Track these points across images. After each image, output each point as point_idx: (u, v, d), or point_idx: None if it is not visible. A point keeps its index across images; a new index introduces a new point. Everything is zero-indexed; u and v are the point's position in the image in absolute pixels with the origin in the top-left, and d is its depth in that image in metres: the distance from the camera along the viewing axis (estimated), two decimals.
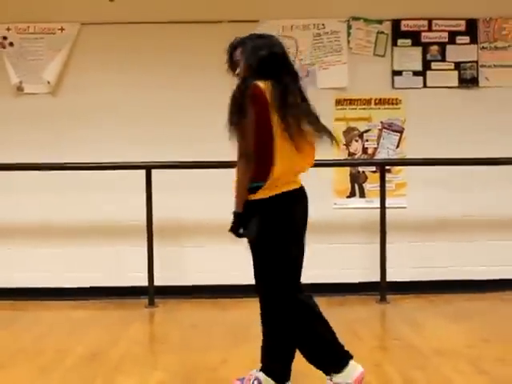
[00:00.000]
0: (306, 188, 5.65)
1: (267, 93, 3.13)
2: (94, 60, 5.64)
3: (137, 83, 5.57)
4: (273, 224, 3.21)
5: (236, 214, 3.27)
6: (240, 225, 3.27)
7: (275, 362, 3.32)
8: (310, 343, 3.31)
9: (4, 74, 5.68)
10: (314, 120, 3.38)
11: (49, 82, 5.66)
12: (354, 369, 3.26)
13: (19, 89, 5.69)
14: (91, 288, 5.54)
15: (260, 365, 3.34)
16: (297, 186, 3.38)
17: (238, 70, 3.34)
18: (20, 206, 5.61)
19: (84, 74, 5.64)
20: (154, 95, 5.61)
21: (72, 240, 5.60)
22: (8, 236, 5.64)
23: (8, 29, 5.68)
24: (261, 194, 3.18)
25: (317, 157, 5.35)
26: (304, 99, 3.39)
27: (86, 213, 5.60)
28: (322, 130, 3.41)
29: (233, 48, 3.39)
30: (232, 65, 3.39)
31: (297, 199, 3.38)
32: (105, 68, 5.63)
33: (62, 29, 5.68)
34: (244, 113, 3.12)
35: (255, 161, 3.14)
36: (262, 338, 3.36)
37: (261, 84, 3.14)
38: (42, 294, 5.51)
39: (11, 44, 5.69)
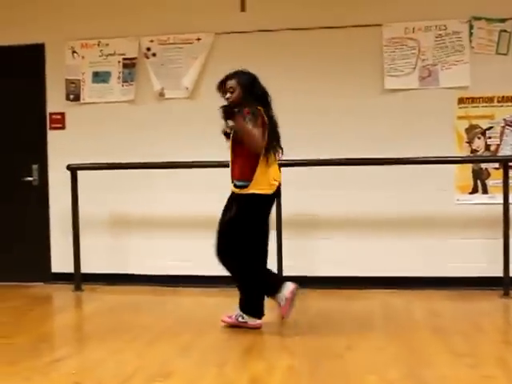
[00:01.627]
0: (427, 184, 5.58)
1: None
2: (228, 67, 5.69)
3: (267, 88, 5.59)
4: (247, 213, 4.17)
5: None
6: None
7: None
8: None
9: (148, 82, 5.91)
10: (277, 140, 4.27)
11: (187, 88, 5.83)
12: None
13: (161, 94, 5.90)
14: (227, 277, 5.65)
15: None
16: (270, 191, 4.17)
17: (229, 95, 4.22)
18: (162, 200, 5.82)
19: (219, 79, 5.74)
20: (283, 99, 5.61)
21: (209, 232, 5.74)
22: (153, 228, 5.87)
23: (151, 41, 5.90)
24: (245, 190, 4.12)
25: (440, 154, 5.27)
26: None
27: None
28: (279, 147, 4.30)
29: (227, 78, 4.28)
30: (222, 89, 4.30)
31: (269, 201, 4.25)
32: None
33: (198, 39, 5.83)
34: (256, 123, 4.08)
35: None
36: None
37: (261, 109, 4.13)
38: (182, 281, 5.70)
39: (154, 54, 5.91)
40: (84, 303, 5.46)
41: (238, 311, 4.34)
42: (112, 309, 5.05)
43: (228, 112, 4.19)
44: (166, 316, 4.77)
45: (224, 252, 4.24)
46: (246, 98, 4.15)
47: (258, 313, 4.31)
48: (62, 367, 3.57)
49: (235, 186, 4.23)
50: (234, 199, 4.25)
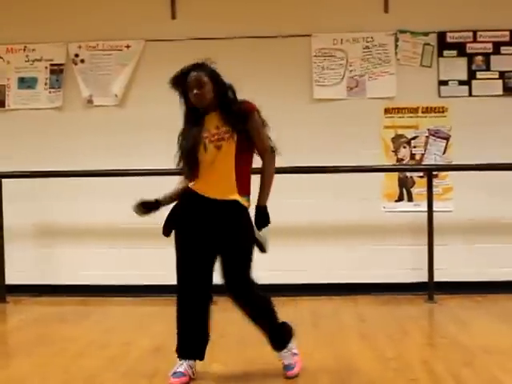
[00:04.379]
0: (356, 192, 5.66)
1: None
2: (158, 74, 5.66)
3: None
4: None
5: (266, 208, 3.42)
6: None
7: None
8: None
9: (76, 89, 5.80)
10: None
11: (116, 95, 5.76)
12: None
13: (89, 102, 5.79)
14: (155, 286, 5.59)
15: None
16: None
17: (196, 91, 3.39)
18: (89, 209, 5.71)
19: (148, 87, 5.71)
20: None
21: (137, 241, 5.67)
22: (80, 237, 5.75)
23: (79, 47, 5.80)
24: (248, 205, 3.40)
25: (367, 163, 5.39)
26: None
27: (150, 216, 5.64)
28: None
29: (188, 71, 3.47)
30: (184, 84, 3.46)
31: None
32: (167, 82, 5.67)
33: (128, 46, 5.76)
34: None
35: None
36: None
37: None
38: (109, 291, 5.60)
39: (82, 61, 5.81)
40: (8, 316, 5.29)
41: (281, 355, 3.50)
42: (37, 321, 4.90)
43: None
44: (93, 327, 4.69)
45: (248, 285, 3.42)
46: (226, 93, 3.42)
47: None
48: None
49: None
50: (230, 213, 3.35)
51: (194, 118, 3.39)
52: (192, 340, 3.48)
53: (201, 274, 3.42)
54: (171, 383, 3.35)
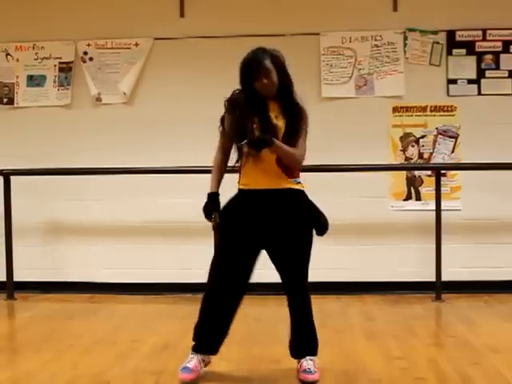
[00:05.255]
0: (364, 191, 5.68)
1: None
2: (166, 72, 5.74)
3: (204, 95, 5.59)
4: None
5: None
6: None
7: None
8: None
9: (84, 87, 5.83)
10: None
11: (124, 93, 5.78)
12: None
13: (98, 99, 5.82)
14: (163, 284, 5.62)
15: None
16: None
17: (266, 81, 3.38)
18: (97, 207, 5.74)
19: (157, 85, 5.74)
20: (221, 105, 5.62)
21: (145, 239, 5.70)
22: (87, 235, 5.78)
23: (88, 45, 5.82)
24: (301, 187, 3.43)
25: (375, 162, 5.39)
26: None
27: (158, 214, 5.68)
28: None
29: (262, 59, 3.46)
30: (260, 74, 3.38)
31: None
32: (176, 80, 5.71)
33: (136, 44, 5.78)
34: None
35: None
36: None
37: None
38: (117, 289, 5.64)
39: (91, 59, 5.84)
40: (17, 312, 5.33)
41: (305, 359, 3.45)
42: (46, 318, 4.93)
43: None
44: (101, 324, 4.71)
45: (305, 286, 3.60)
46: (289, 85, 3.47)
47: None
48: None
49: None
50: (287, 203, 3.37)
51: (255, 101, 3.37)
52: (214, 335, 3.48)
53: (244, 268, 3.44)
54: (180, 378, 3.37)
